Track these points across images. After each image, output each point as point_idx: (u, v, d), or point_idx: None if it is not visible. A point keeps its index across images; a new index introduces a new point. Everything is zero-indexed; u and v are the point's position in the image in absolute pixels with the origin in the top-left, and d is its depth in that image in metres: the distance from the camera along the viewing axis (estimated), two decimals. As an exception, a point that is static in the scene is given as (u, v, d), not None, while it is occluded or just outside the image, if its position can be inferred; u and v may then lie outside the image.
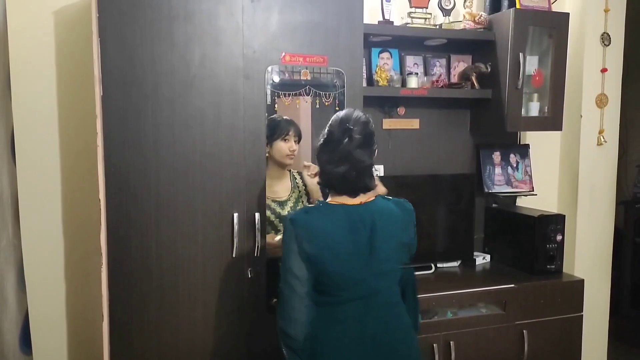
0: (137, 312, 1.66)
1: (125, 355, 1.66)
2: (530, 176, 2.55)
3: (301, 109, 2.06)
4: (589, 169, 2.58)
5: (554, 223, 2.27)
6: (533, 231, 2.27)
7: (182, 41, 1.65)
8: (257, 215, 1.74)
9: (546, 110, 2.35)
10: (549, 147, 2.64)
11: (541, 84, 2.34)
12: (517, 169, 2.55)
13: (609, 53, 2.55)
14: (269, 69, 1.76)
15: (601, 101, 2.56)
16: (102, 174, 1.60)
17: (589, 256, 2.62)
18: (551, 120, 2.33)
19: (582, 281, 2.23)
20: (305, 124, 2.11)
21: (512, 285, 2.14)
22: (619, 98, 2.60)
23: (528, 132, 2.60)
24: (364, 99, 2.21)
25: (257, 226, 1.73)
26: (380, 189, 1.71)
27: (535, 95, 2.37)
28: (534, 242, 2.27)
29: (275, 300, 1.48)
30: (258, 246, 1.74)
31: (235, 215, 1.72)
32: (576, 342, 2.22)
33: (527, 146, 2.58)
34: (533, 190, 2.54)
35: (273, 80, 1.82)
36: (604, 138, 2.57)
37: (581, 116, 2.54)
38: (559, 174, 2.68)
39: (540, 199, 2.57)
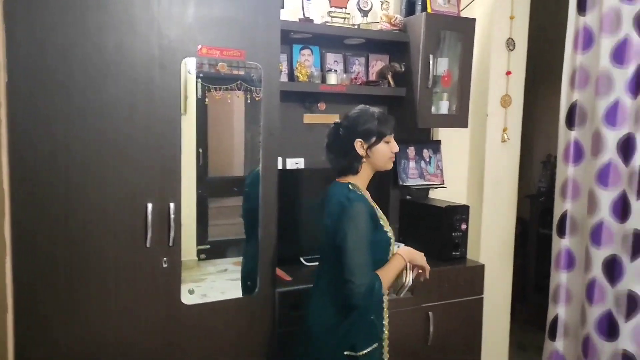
0: (44, 304, 1.64)
1: (32, 349, 1.63)
2: (442, 170, 2.74)
3: (234, 104, 2.10)
4: (493, 164, 2.80)
5: (459, 213, 2.46)
6: (440, 221, 2.45)
7: (95, 28, 1.64)
8: (171, 205, 1.76)
9: (454, 109, 2.53)
10: (459, 143, 2.84)
11: (450, 84, 2.52)
12: (430, 164, 2.73)
13: (513, 57, 2.78)
14: (186, 60, 1.78)
15: (505, 101, 2.79)
16: (6, 163, 1.56)
17: (493, 244, 2.85)
18: (458, 118, 2.52)
19: (482, 266, 2.43)
20: (238, 120, 2.15)
21: (420, 271, 2.30)
22: (522, 99, 2.84)
23: (440, 129, 2.78)
24: (286, 94, 2.29)
25: (171, 216, 1.76)
26: None
27: (445, 95, 2.55)
28: (441, 231, 2.45)
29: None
30: (172, 236, 1.76)
31: (150, 205, 1.73)
32: (477, 322, 2.43)
33: (438, 142, 2.76)
34: (443, 183, 2.72)
35: (203, 74, 1.84)
36: (507, 135, 2.80)
37: (487, 115, 2.76)
38: (468, 168, 2.89)
39: (451, 192, 2.77)
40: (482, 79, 2.76)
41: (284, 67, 2.37)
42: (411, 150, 2.69)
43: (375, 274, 1.61)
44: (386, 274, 1.64)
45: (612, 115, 2.44)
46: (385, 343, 1.72)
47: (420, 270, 1.74)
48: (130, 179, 1.71)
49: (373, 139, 1.67)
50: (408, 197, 2.70)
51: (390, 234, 1.71)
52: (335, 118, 2.54)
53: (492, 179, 2.81)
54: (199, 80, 1.93)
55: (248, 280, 1.98)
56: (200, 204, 2.09)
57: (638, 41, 2.34)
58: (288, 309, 2.02)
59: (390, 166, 1.76)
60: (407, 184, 2.66)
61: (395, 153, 1.76)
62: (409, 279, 1.70)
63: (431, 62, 2.37)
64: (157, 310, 1.78)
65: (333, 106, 2.52)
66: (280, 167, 2.43)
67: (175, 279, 1.80)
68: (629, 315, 2.36)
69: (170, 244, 1.77)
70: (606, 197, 2.47)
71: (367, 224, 1.60)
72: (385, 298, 1.69)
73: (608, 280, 2.47)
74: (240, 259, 2.11)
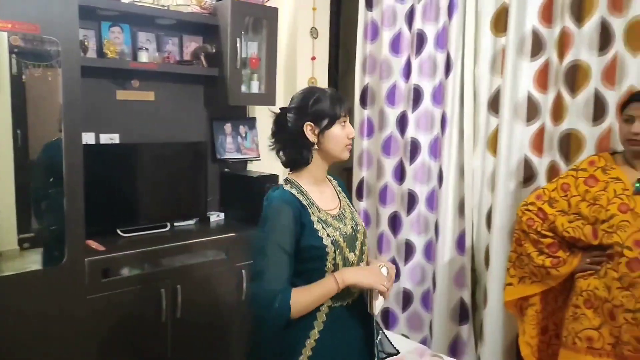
0: None
1: None
2: (257, 144, 3.01)
3: (57, 82, 2.04)
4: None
5: (270, 181, 2.76)
6: (254, 189, 2.73)
7: None
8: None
9: (263, 89, 2.81)
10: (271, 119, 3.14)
11: (258, 66, 2.79)
12: (246, 139, 2.98)
13: (317, 44, 3.15)
14: None
15: (312, 83, 3.15)
16: None
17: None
18: (267, 97, 2.81)
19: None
20: (56, 98, 2.08)
21: (233, 234, 2.56)
22: (327, 81, 3.24)
23: (257, 107, 3.05)
24: (96, 70, 2.34)
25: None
26: None
27: (255, 76, 2.82)
28: (255, 199, 2.73)
29: None
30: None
31: None
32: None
33: (254, 119, 3.03)
34: (259, 157, 3.00)
35: (18, 49, 1.78)
36: (314, 113, 3.18)
37: (296, 95, 3.10)
38: (282, 143, 3.21)
39: (268, 164, 3.06)
40: (291, 63, 3.09)
41: (92, 43, 2.40)
42: (228, 127, 2.91)
43: (286, 287, 1.32)
44: (305, 294, 1.34)
45: (391, 96, 2.95)
46: None
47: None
48: None
49: (325, 122, 1.40)
50: (226, 169, 2.93)
51: (329, 241, 1.38)
52: (150, 95, 2.65)
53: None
54: (14, 56, 1.87)
55: (55, 251, 2.02)
56: (20, 189, 1.98)
57: (408, 35, 2.86)
58: (100, 276, 2.12)
59: (346, 156, 1.46)
60: (225, 157, 2.88)
61: (352, 139, 1.47)
62: (374, 306, 1.42)
63: (238, 45, 2.60)
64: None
65: (148, 84, 2.62)
66: (93, 142, 2.49)
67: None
68: (406, 259, 2.92)
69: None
70: (389, 164, 2.99)
71: (284, 227, 1.34)
72: (314, 331, 1.39)
73: (392, 233, 3.01)
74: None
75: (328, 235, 1.39)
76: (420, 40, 2.77)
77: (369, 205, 3.18)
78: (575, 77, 2.22)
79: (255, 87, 2.81)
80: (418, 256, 2.89)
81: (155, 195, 2.60)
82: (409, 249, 2.91)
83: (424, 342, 2.84)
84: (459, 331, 2.75)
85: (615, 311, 1.73)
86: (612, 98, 2.12)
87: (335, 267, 1.40)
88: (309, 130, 1.40)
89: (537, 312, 2.01)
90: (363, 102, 3.12)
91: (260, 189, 2.71)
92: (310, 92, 1.44)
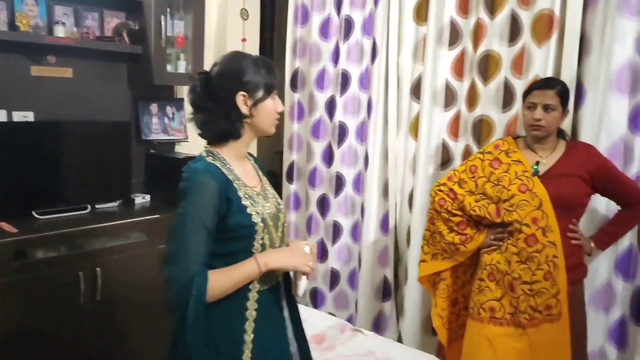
0: None
1: None
2: (185, 126, 2.97)
3: None
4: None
5: (197, 164, 2.74)
6: (180, 171, 2.70)
7: None
8: None
9: (190, 69, 2.77)
10: (202, 101, 3.11)
11: (184, 45, 2.74)
12: (173, 120, 2.93)
13: (248, 26, 3.13)
14: None
15: (242, 65, 3.14)
16: None
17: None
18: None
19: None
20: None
21: (157, 216, 2.53)
22: (257, 64, 3.22)
23: (184, 88, 2.99)
24: (8, 44, 2.22)
25: None
26: None
27: (183, 55, 2.76)
28: (179, 180, 2.70)
29: None
30: None
31: None
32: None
33: (182, 100, 2.98)
34: (187, 138, 2.96)
35: None
36: (244, 96, 3.16)
37: (225, 77, 3.07)
38: (212, 125, 3.18)
39: (198, 145, 3.02)
40: (220, 45, 3.05)
41: (4, 15, 2.27)
42: (154, 107, 2.85)
43: (203, 269, 1.22)
44: (224, 276, 1.24)
45: (321, 81, 2.99)
46: None
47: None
48: None
49: (260, 93, 1.31)
50: (152, 151, 2.87)
51: (258, 218, 1.30)
52: (68, 72, 2.54)
53: (233, 135, 3.15)
54: None
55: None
56: None
57: (337, 20, 2.90)
58: (12, 259, 2.03)
59: (273, 131, 1.39)
60: (150, 138, 2.82)
61: (280, 113, 1.39)
62: (299, 286, 1.37)
63: (163, 23, 2.54)
64: None
65: (66, 60, 2.50)
66: (5, 119, 2.36)
67: None
68: (334, 240, 3.00)
69: None
70: (318, 147, 3.05)
71: (207, 202, 1.23)
72: (248, 322, 1.30)
73: (321, 215, 3.07)
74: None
75: (257, 212, 1.31)
76: (348, 25, 2.82)
77: (299, 188, 3.23)
78: (487, 66, 2.35)
79: (182, 67, 2.76)
80: (345, 237, 2.98)
81: (74, 176, 2.51)
82: (336, 230, 2.99)
83: (350, 319, 2.94)
84: (382, 308, 2.88)
85: (514, 283, 1.88)
86: (520, 86, 2.27)
87: (263, 248, 1.32)
88: (241, 100, 1.29)
89: (448, 285, 2.14)
90: (293, 86, 3.14)
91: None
92: (243, 58, 1.32)
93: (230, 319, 1.30)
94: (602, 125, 2.04)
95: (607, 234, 2.00)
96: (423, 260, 2.17)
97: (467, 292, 2.10)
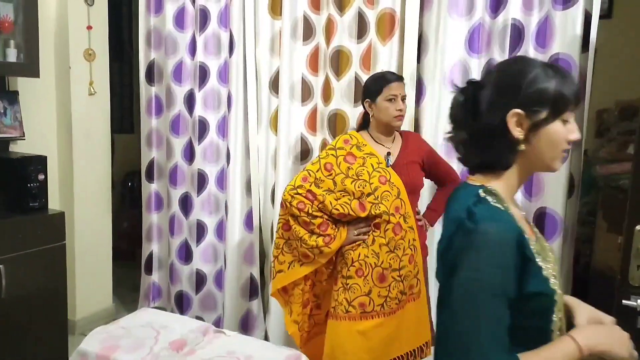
0: None
1: None
2: (21, 122, 2.64)
3: None
4: (82, 116, 2.87)
5: (35, 164, 2.45)
6: (15, 172, 2.40)
7: None
8: None
9: (22, 58, 2.46)
10: (43, 94, 2.79)
11: (11, 30, 2.43)
12: (6, 115, 2.59)
13: (93, 12, 2.87)
14: None
15: (90, 55, 2.87)
16: None
17: (89, 193, 2.96)
18: (28, 68, 2.47)
19: (62, 213, 2.51)
20: None
21: None
22: (107, 53, 2.97)
23: (19, 80, 2.66)
24: None
25: None
26: None
27: (12, 42, 2.44)
28: (16, 182, 2.40)
29: None
30: None
31: None
32: (61, 266, 2.50)
33: (16, 92, 2.65)
34: (24, 136, 2.64)
35: None
36: (94, 89, 2.90)
37: (70, 67, 2.79)
38: (56, 120, 2.88)
39: (36, 144, 2.71)
40: (62, 33, 2.76)
41: None
42: (-21, 101, 2.49)
43: (513, 356, 0.90)
44: None
45: (178, 73, 2.85)
46: None
47: None
48: None
49: (544, 114, 0.96)
50: (-21, 151, 2.52)
51: (555, 284, 0.98)
52: None
53: (82, 131, 2.88)
54: None
55: None
56: None
57: (192, 10, 2.77)
58: None
59: (559, 167, 1.02)
60: (-24, 136, 2.47)
61: (574, 141, 1.01)
62: None
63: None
64: None
65: None
66: None
67: None
68: (198, 240, 2.88)
69: None
70: (178, 144, 2.90)
71: (506, 264, 0.92)
72: None
73: (184, 214, 2.94)
74: None
75: (554, 275, 0.97)
76: (204, 16, 2.71)
77: (160, 187, 3.06)
78: (339, 61, 2.40)
79: (12, 56, 2.44)
80: (210, 236, 2.88)
81: None
82: (200, 230, 2.88)
83: (218, 321, 2.86)
84: (249, 306, 2.83)
85: (385, 273, 1.89)
86: (369, 82, 2.35)
87: (561, 326, 1.00)
88: (513, 121, 0.97)
89: (303, 290, 2.06)
90: (149, 79, 2.96)
91: (24, 172, 2.39)
92: (528, 64, 0.98)
93: None
94: (439, 119, 2.18)
95: (433, 210, 2.14)
96: (279, 271, 2.04)
97: (319, 291, 2.07)
